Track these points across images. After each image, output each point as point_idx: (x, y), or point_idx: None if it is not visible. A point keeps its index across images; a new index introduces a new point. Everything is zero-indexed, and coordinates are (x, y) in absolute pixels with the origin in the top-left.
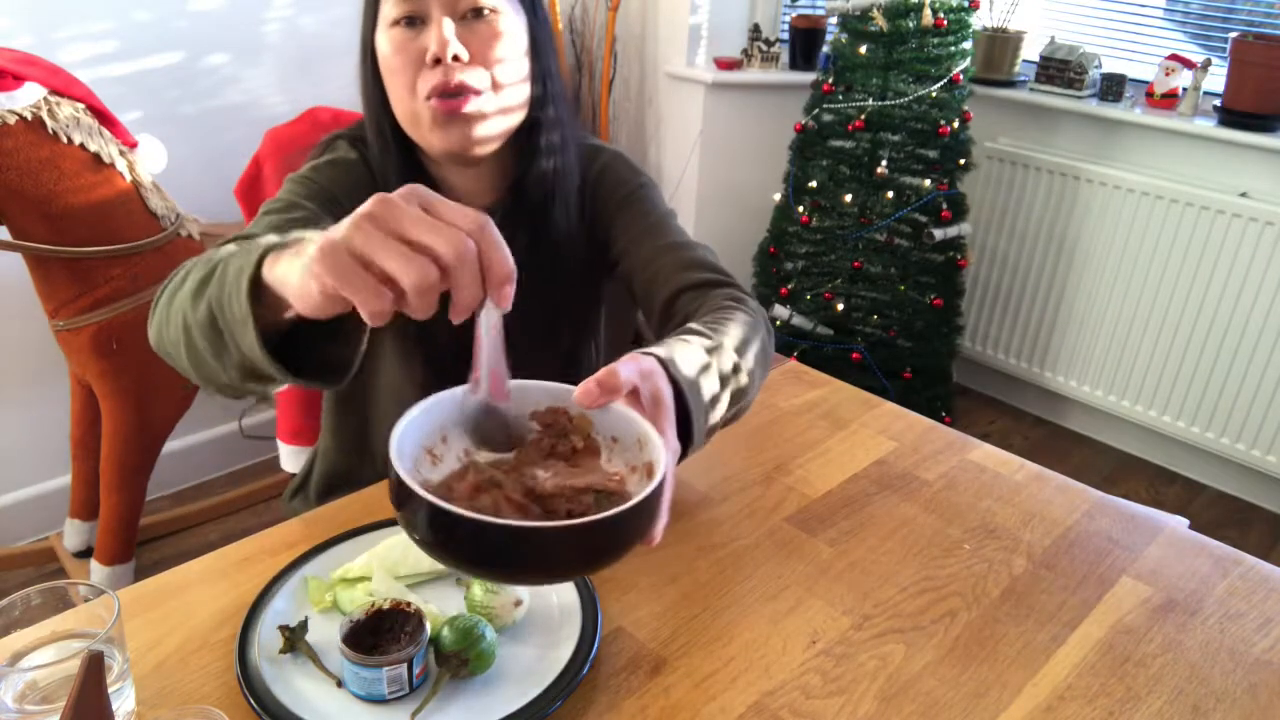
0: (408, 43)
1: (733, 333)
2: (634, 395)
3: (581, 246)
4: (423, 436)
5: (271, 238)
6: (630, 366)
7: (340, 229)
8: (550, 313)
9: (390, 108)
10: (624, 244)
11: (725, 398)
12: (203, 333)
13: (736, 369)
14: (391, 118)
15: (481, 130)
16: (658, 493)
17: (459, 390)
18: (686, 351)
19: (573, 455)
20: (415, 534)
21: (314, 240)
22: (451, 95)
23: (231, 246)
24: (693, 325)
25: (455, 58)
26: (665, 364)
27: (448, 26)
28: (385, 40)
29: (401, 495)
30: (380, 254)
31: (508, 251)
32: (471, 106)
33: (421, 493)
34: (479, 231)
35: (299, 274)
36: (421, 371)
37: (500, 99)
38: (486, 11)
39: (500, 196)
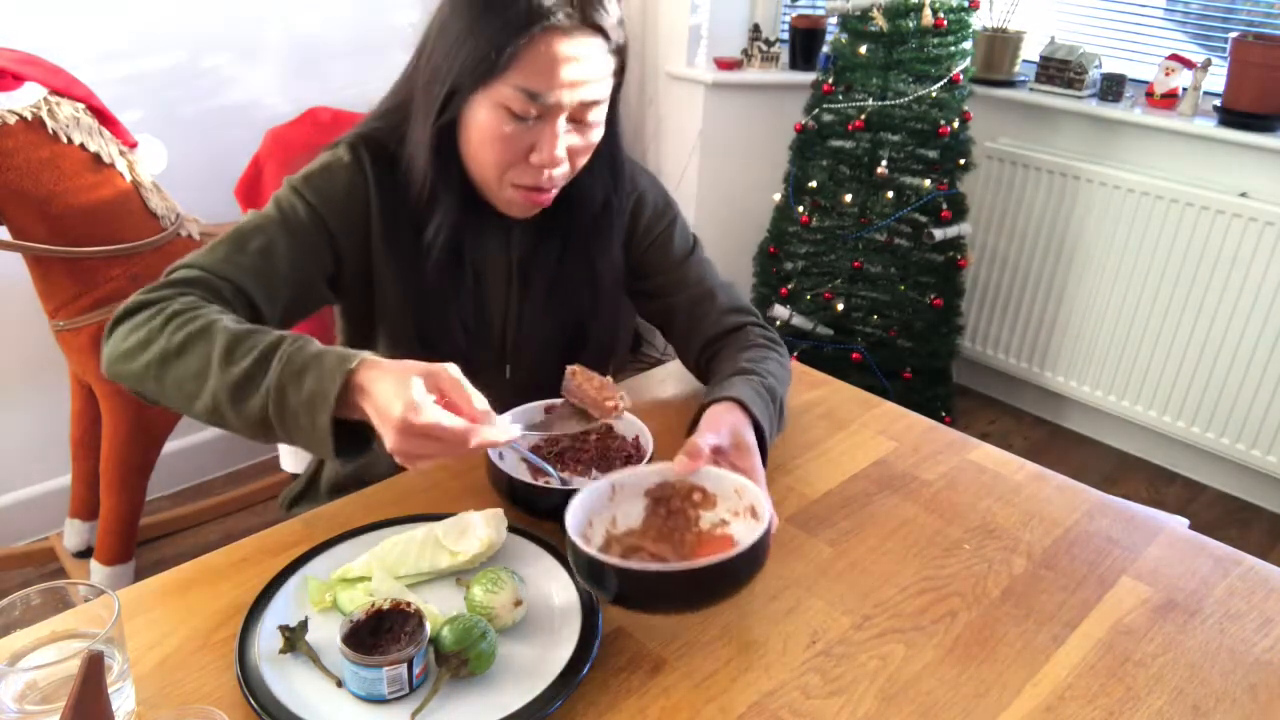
0: (515, 135)
1: (775, 373)
2: (716, 451)
3: (618, 266)
4: (578, 526)
5: (322, 353)
6: (710, 435)
7: (388, 434)
8: (576, 325)
9: (458, 143)
10: (664, 280)
11: (776, 427)
12: (246, 427)
13: (781, 404)
14: (457, 151)
15: (548, 200)
16: (769, 531)
17: (601, 485)
18: (751, 391)
19: (683, 515)
20: (606, 593)
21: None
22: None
23: (226, 320)
24: (744, 365)
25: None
26: (744, 406)
27: (563, 141)
28: (490, 117)
29: (593, 568)
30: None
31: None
32: (551, 194)
33: (610, 560)
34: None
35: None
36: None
37: (572, 173)
38: (591, 115)
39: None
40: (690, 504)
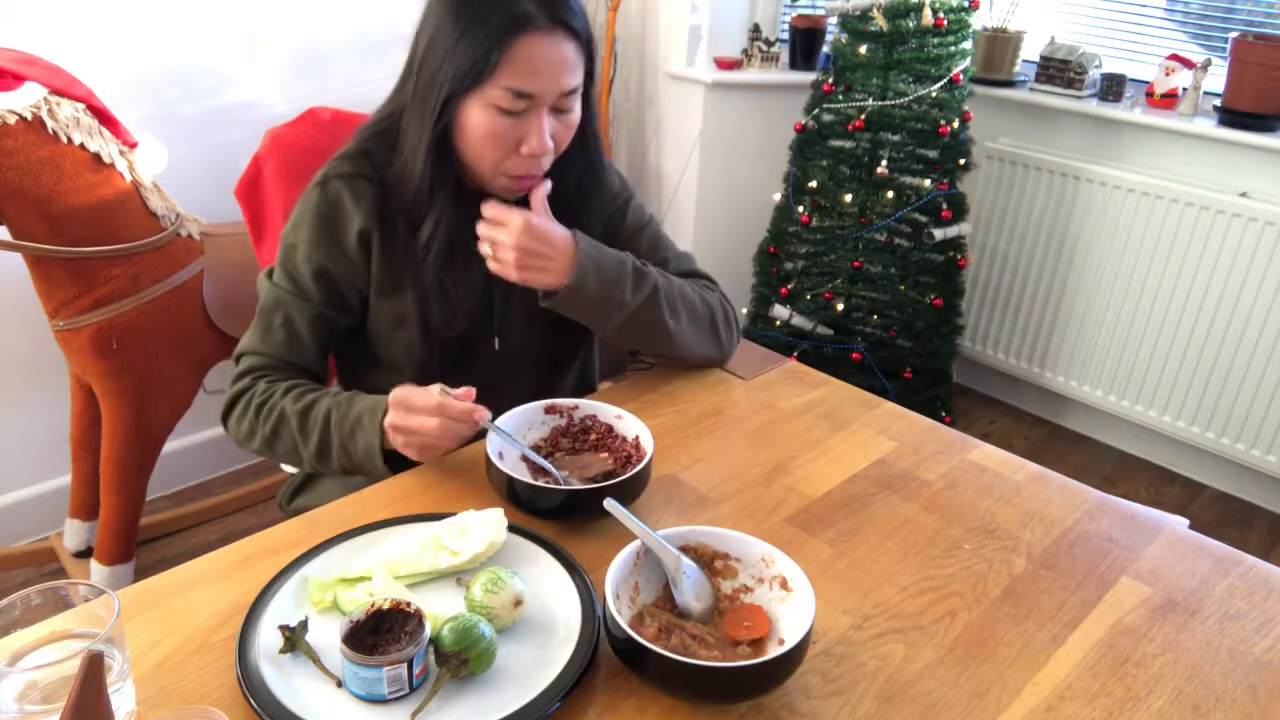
0: (506, 130)
1: (672, 281)
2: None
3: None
4: (615, 601)
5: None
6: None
7: (397, 441)
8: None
9: (453, 137)
10: (619, 240)
11: (629, 291)
12: (339, 473)
13: (653, 285)
14: (452, 147)
15: (537, 181)
16: (810, 630)
17: (627, 553)
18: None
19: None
20: (645, 675)
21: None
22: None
23: (289, 403)
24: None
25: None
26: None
27: (548, 129)
28: (482, 117)
29: (633, 651)
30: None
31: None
32: (541, 175)
33: (656, 649)
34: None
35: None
36: (422, 363)
37: (556, 154)
38: (571, 105)
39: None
40: (712, 571)
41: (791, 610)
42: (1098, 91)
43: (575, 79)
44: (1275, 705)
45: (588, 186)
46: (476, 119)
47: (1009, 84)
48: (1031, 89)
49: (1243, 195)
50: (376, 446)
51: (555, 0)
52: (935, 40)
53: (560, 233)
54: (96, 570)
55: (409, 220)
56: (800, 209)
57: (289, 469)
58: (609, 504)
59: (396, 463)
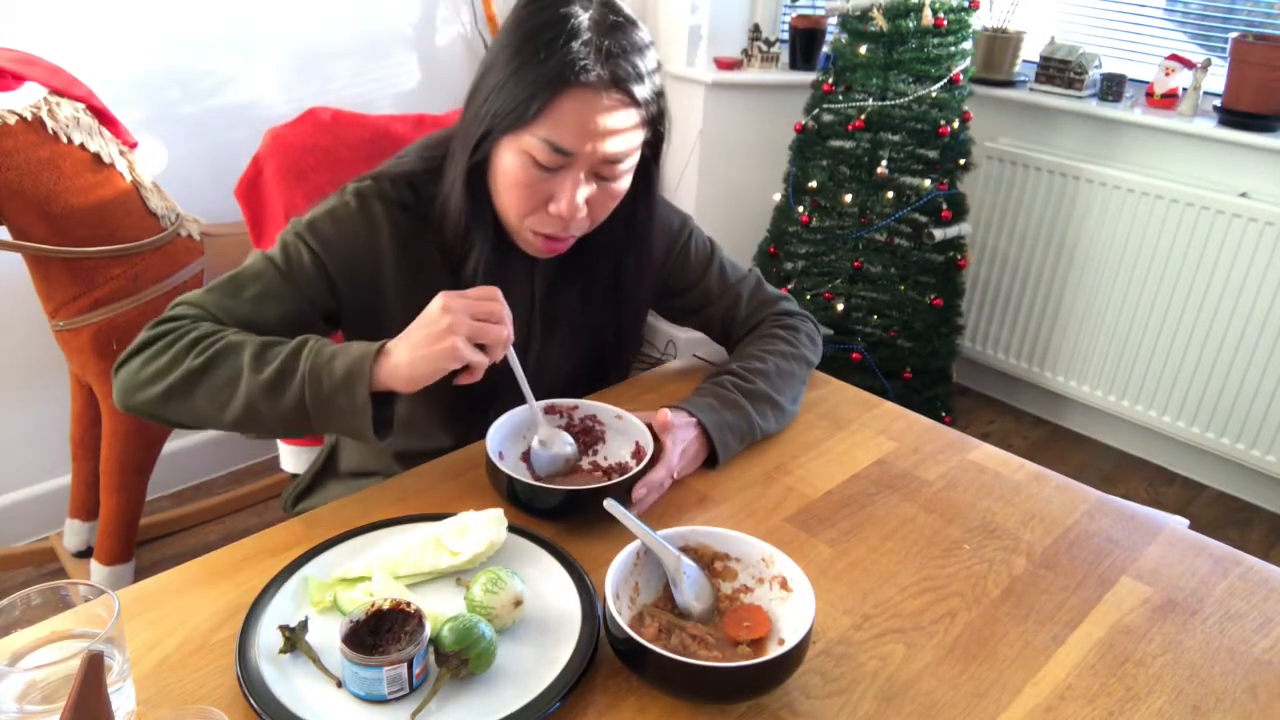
0: (537, 183)
1: (763, 370)
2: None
3: (640, 306)
4: (614, 600)
5: (355, 349)
6: (672, 457)
7: (440, 325)
8: (598, 357)
9: (487, 173)
10: (694, 295)
11: (754, 421)
12: (281, 420)
13: (754, 391)
14: (488, 191)
15: (564, 248)
16: (810, 630)
17: (627, 553)
18: (716, 410)
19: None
20: (645, 675)
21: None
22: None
23: (242, 339)
24: (729, 367)
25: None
26: (702, 425)
27: (581, 193)
28: (515, 163)
29: (633, 651)
30: (477, 335)
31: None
32: (568, 243)
33: (656, 649)
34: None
35: (418, 366)
36: (452, 396)
37: (593, 224)
38: (618, 174)
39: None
40: (713, 572)
41: (791, 610)
42: (1097, 91)
43: (624, 148)
44: (1275, 705)
45: (627, 270)
46: (509, 164)
47: (1009, 84)
48: (1031, 89)
49: (1243, 195)
50: (365, 372)
51: (618, 60)
52: (935, 40)
53: (693, 446)
54: (96, 570)
55: (448, 259)
56: (800, 209)
57: (288, 468)
58: (609, 504)
59: (381, 410)
